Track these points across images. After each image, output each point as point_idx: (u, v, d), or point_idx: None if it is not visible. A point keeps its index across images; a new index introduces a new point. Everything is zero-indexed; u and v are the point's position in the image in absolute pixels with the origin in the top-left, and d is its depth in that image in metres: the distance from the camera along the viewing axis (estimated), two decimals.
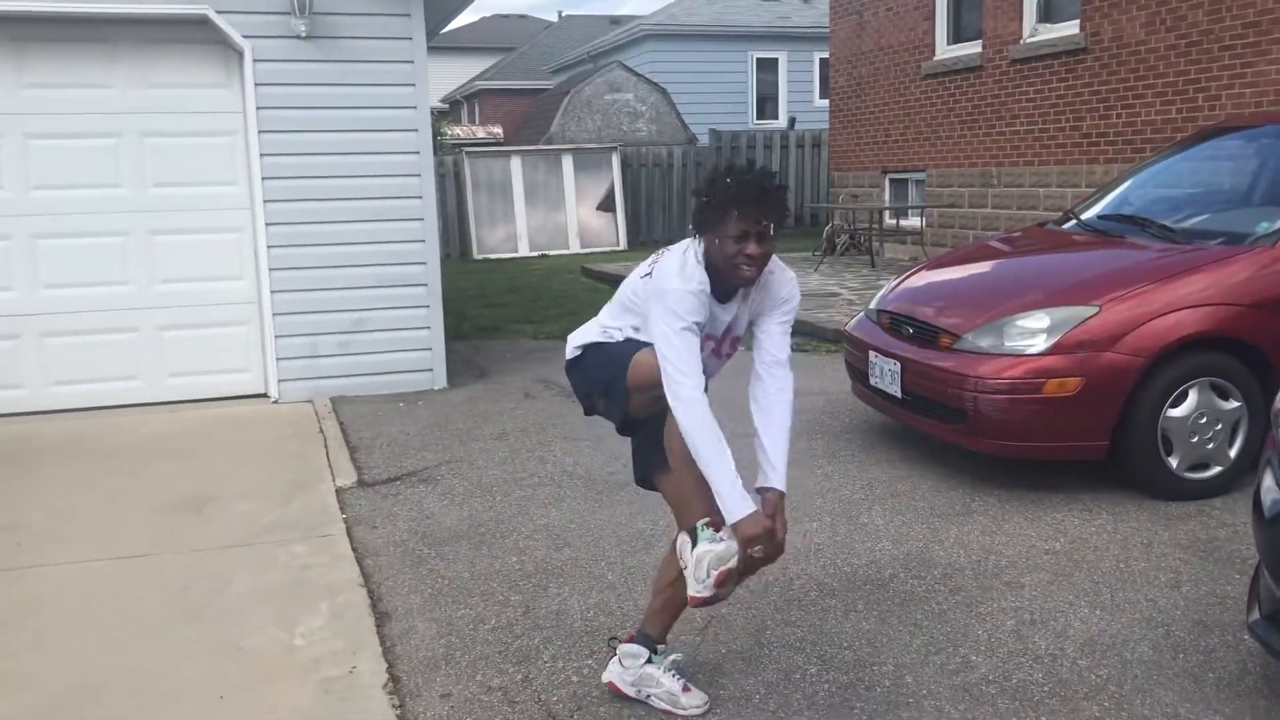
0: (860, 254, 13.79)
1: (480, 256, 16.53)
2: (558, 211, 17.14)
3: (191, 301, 6.83)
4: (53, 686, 3.33)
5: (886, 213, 13.55)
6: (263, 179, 6.69)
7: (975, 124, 11.71)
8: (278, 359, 6.85)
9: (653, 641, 3.18)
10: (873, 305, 5.90)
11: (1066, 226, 6.10)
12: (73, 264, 6.61)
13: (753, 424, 3.00)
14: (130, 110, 6.61)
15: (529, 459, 5.60)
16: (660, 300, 2.85)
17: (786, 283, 3.03)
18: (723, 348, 3.10)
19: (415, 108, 6.91)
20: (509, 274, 14.25)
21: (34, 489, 5.25)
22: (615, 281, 13.17)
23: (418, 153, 6.93)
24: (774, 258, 2.95)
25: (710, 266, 2.88)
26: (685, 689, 3.15)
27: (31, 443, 6.05)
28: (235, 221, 6.83)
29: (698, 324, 2.85)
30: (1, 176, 6.45)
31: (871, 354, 5.49)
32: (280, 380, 6.88)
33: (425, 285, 7.04)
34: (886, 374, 5.33)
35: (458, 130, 31.18)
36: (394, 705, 3.21)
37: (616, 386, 3.06)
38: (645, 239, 17.98)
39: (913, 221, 13.45)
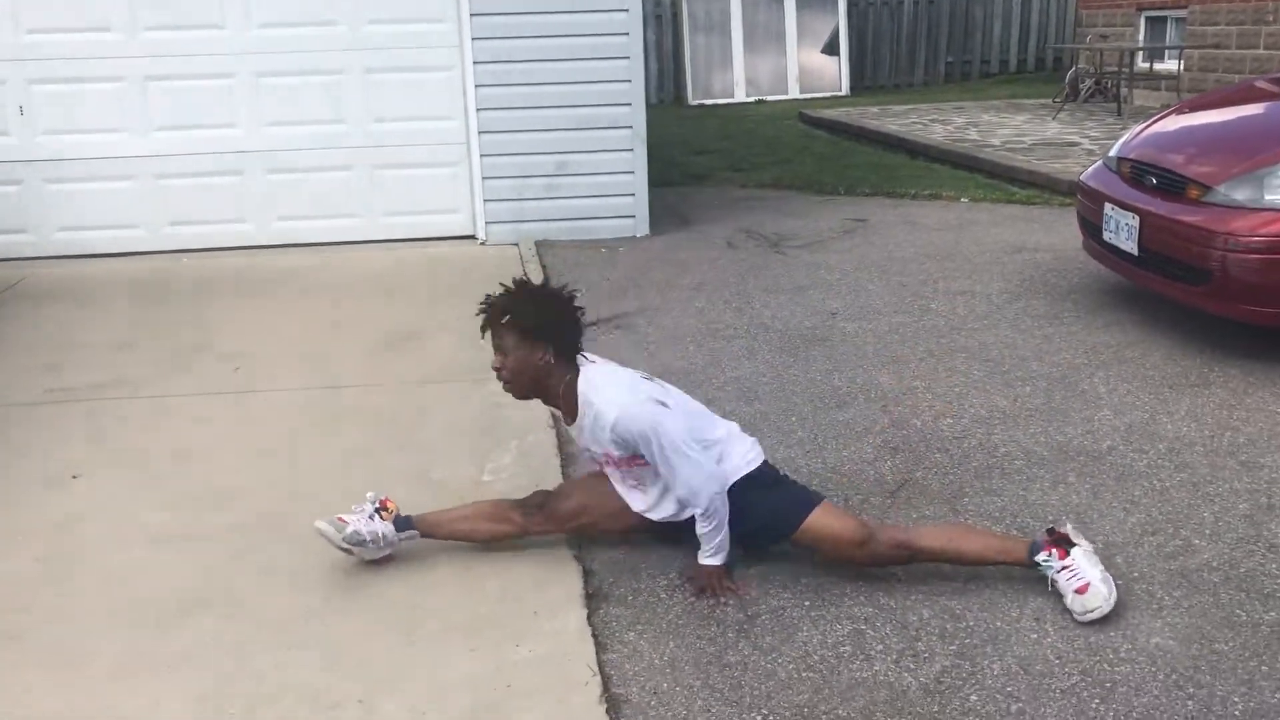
0: (1107, 101, 12.67)
1: (695, 102, 16.15)
2: (777, 54, 16.48)
3: (404, 141, 6.91)
4: (266, 502, 3.50)
5: (1139, 55, 12.34)
6: (470, 15, 6.61)
7: None
8: (485, 201, 6.90)
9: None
10: (1112, 153, 5.35)
11: None
12: (291, 102, 6.77)
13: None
14: None
15: (725, 310, 5.45)
16: None
17: (602, 418, 2.86)
18: (609, 468, 3.06)
19: None
20: (723, 120, 13.87)
21: (256, 319, 5.50)
22: (832, 128, 12.64)
23: None
24: (590, 398, 2.89)
25: None
26: (1083, 588, 2.75)
27: (257, 275, 6.34)
28: (445, 60, 6.81)
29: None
30: (225, 15, 6.61)
31: (1107, 206, 4.99)
32: (488, 222, 6.94)
33: (630, 128, 6.87)
34: (1122, 229, 4.84)
35: None
36: (572, 547, 3.20)
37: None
38: (870, 83, 17.13)
39: (1169, 65, 12.21)
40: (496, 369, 2.96)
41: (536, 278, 6.09)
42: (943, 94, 15.60)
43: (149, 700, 2.53)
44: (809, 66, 16.62)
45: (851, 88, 16.62)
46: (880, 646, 2.69)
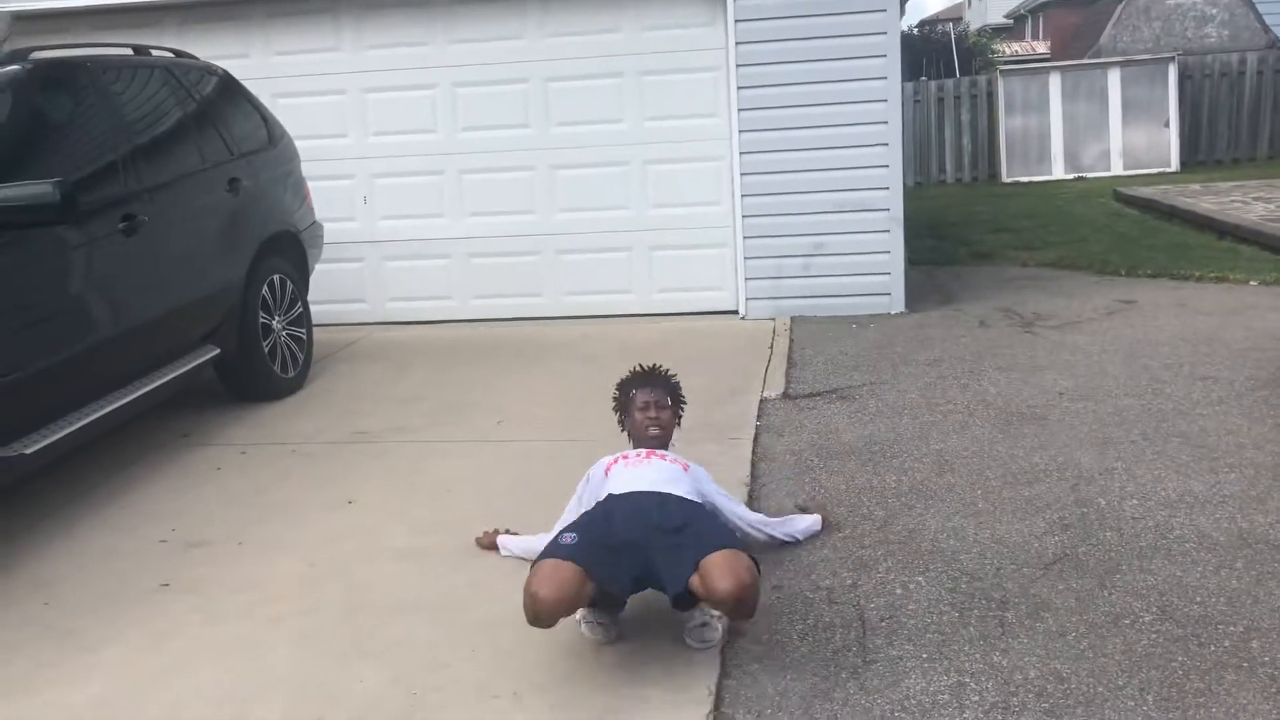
0: None
1: (1010, 180, 15.97)
2: (1099, 130, 15.99)
3: (678, 225, 7.58)
4: (481, 528, 4.12)
5: None
6: (739, 110, 7.21)
7: None
8: (746, 279, 7.42)
9: None
10: None
11: None
12: (583, 190, 7.63)
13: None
14: (630, 52, 7.42)
15: (951, 386, 5.61)
16: None
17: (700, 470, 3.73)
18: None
19: (885, 33, 7.01)
20: (1033, 198, 13.68)
21: (528, 380, 6.26)
22: (1144, 206, 12.15)
23: (885, 78, 7.04)
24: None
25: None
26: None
27: (539, 343, 7.16)
28: (715, 151, 7.43)
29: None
30: (529, 116, 7.59)
31: None
32: (748, 299, 7.44)
33: (887, 210, 7.17)
34: None
35: (1015, 47, 29.92)
36: None
37: None
38: (1205, 158, 16.22)
39: None
40: (657, 417, 3.82)
41: (783, 350, 6.52)
42: None
43: (356, 677, 3.17)
44: (1135, 142, 15.99)
45: (1183, 163, 15.80)
46: (976, 698, 2.88)
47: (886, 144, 7.11)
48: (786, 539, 3.86)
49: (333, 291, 7.78)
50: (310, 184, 6.95)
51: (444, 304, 7.93)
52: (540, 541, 3.53)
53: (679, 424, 3.96)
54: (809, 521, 3.96)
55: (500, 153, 7.67)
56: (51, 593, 3.82)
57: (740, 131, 7.22)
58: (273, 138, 6.48)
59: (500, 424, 5.49)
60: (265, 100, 7.00)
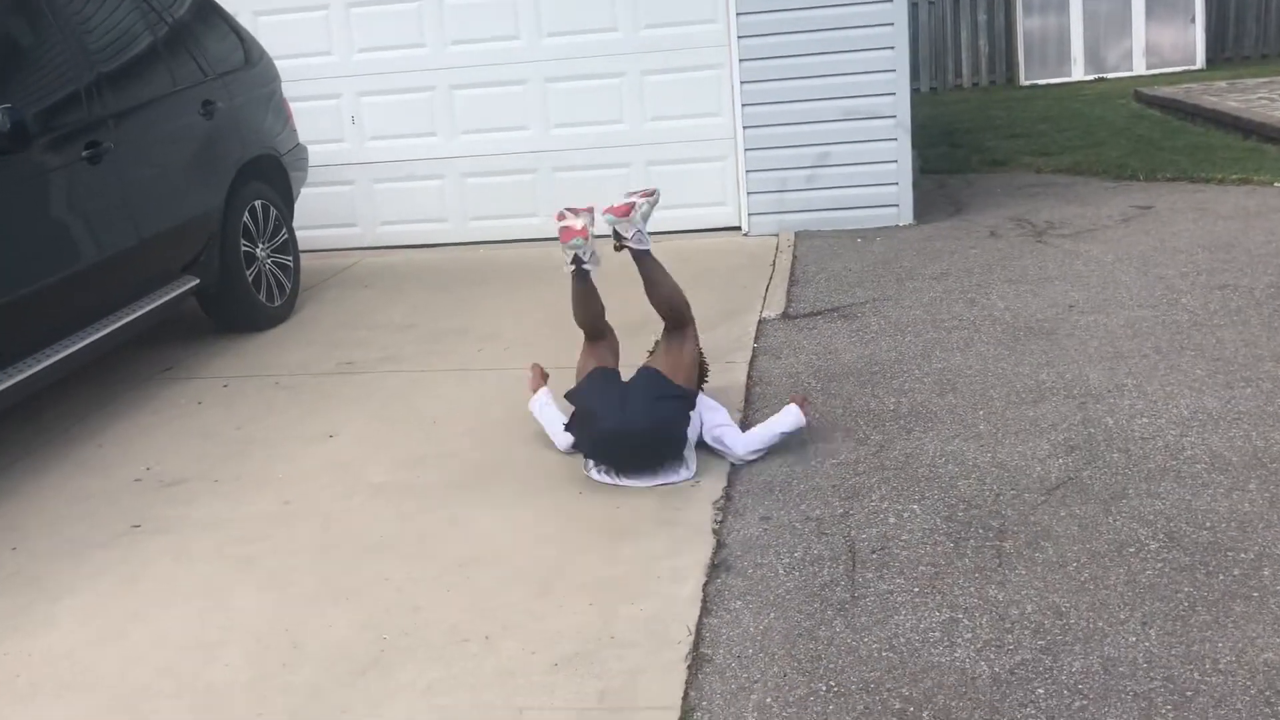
0: None
1: (1028, 83, 15.46)
2: (1121, 28, 15.41)
3: (676, 138, 7.29)
4: (467, 465, 3.99)
5: None
6: (737, 15, 6.87)
7: None
8: (749, 193, 7.15)
9: None
10: None
11: None
12: (576, 104, 7.34)
13: None
14: None
15: (958, 301, 5.39)
16: None
17: None
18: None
19: None
20: (1051, 101, 13.22)
21: (519, 304, 6.06)
22: (1166, 106, 11.71)
23: None
24: None
25: None
26: None
27: (535, 265, 6.93)
28: (714, 59, 7.11)
29: None
30: (519, 27, 7.28)
31: None
32: (751, 214, 7.19)
33: (893, 117, 6.86)
34: None
35: None
36: (715, 521, 3.44)
37: None
38: (1232, 55, 15.63)
39: None
40: None
41: (785, 266, 6.30)
42: None
43: (325, 622, 3.05)
44: (1159, 39, 15.41)
45: (1209, 60, 15.23)
46: (969, 635, 2.73)
47: (893, 47, 6.77)
48: (776, 440, 3.86)
49: (322, 216, 7.59)
50: (294, 105, 6.72)
51: (439, 226, 7.70)
52: (557, 425, 4.08)
53: None
54: (790, 418, 3.87)
55: (491, 66, 7.36)
56: (20, 537, 3.73)
57: (740, 38, 6.89)
58: (250, 58, 6.22)
59: (493, 351, 5.32)
60: (244, 19, 6.75)
